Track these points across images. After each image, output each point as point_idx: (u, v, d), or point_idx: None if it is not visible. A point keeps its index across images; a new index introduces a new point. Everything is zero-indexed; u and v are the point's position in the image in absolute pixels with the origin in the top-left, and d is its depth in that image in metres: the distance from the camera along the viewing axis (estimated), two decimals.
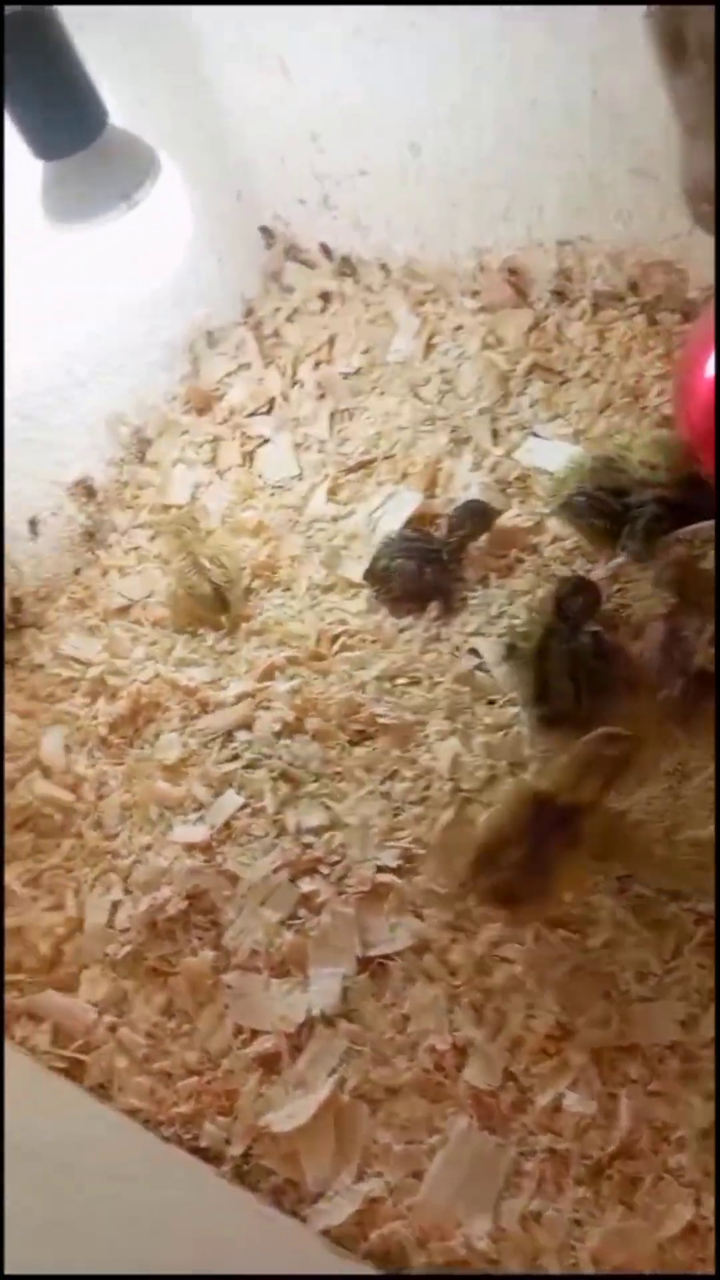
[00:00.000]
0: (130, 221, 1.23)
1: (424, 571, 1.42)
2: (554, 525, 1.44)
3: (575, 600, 1.25)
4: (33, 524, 1.60)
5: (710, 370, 1.14)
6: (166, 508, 1.68)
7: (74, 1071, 1.19)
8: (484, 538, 1.45)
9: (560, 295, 1.64)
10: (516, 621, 1.37)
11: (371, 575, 1.47)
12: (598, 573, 1.35)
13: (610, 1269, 0.94)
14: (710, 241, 1.41)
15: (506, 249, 1.63)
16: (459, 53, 1.41)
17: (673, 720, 1.19)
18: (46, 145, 1.20)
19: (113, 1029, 1.21)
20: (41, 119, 1.17)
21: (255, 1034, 1.16)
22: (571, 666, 1.20)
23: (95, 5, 1.31)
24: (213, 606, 1.51)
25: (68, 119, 1.17)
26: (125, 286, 1.41)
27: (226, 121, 1.70)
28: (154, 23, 1.55)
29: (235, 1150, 1.09)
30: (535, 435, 1.54)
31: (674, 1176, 0.97)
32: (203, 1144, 1.11)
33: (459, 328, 1.71)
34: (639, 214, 1.46)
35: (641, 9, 1.21)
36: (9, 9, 1.10)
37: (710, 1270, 0.93)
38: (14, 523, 1.57)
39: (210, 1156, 1.10)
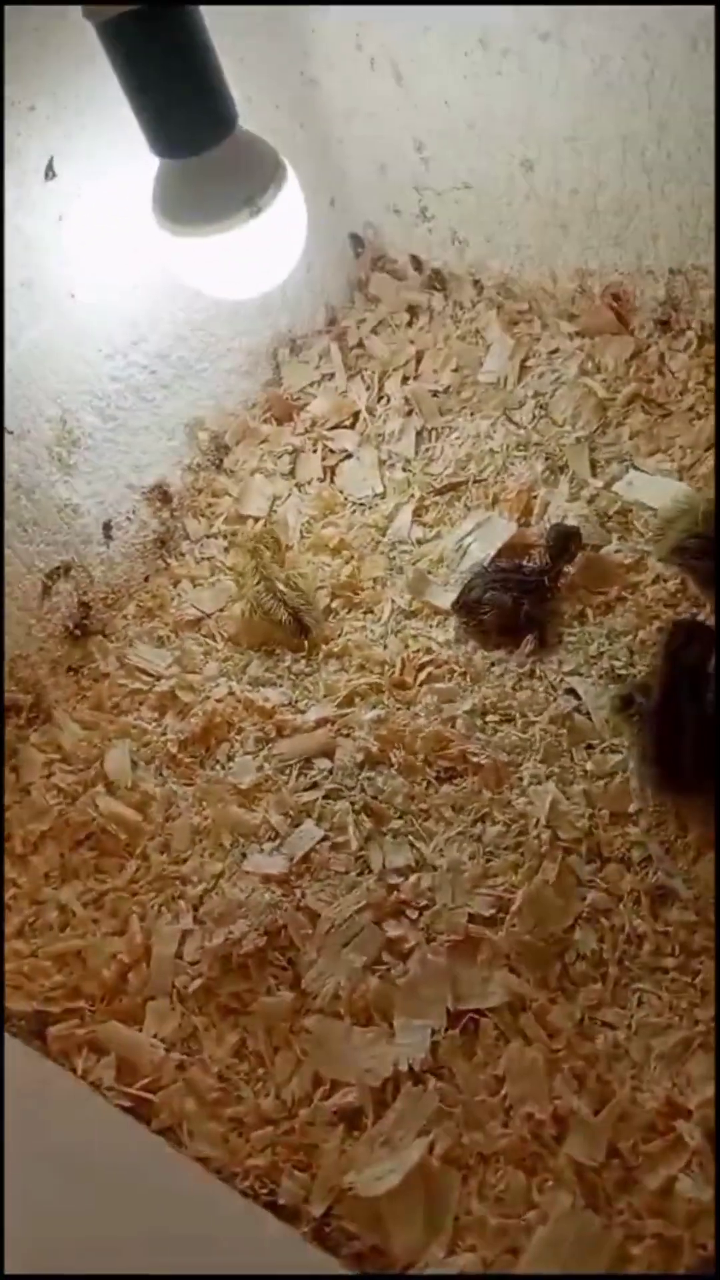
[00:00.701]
0: (250, 229, 1.17)
1: (520, 605, 1.37)
2: (656, 564, 1.38)
3: (690, 649, 1.19)
4: (107, 528, 1.54)
5: None
6: (243, 518, 1.63)
7: (140, 1111, 1.13)
8: (579, 571, 1.40)
9: (664, 325, 1.58)
10: (618, 664, 1.31)
11: (462, 606, 1.41)
12: (707, 618, 1.29)
13: None
14: None
15: (612, 274, 1.58)
16: (590, 68, 1.35)
17: None
18: (172, 144, 1.14)
19: (181, 1068, 1.15)
20: (172, 117, 1.11)
21: (336, 1085, 1.10)
22: (699, 731, 1.14)
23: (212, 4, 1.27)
24: (291, 630, 1.45)
25: (199, 119, 1.11)
26: (229, 293, 1.35)
27: (330, 124, 1.65)
28: (265, 19, 1.50)
29: (315, 1210, 1.03)
30: (636, 469, 1.49)
31: None
32: (280, 1200, 1.05)
33: (555, 351, 1.65)
34: None
35: None
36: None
37: None
38: (88, 525, 1.52)
39: (288, 1215, 1.04)
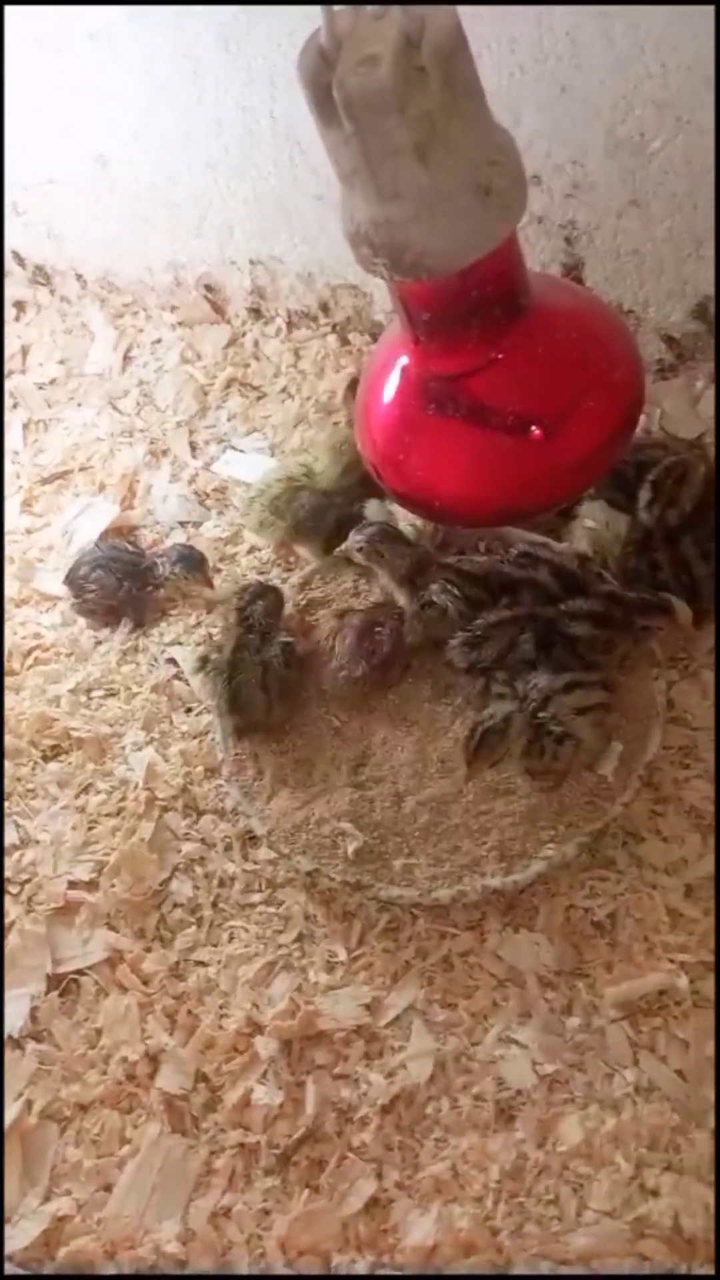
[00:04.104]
0: None
1: (122, 584, 1.41)
2: (250, 536, 1.47)
3: (257, 605, 1.28)
4: None
5: (388, 396, 1.16)
6: None
7: None
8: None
9: (256, 313, 1.68)
10: (215, 630, 1.38)
11: (71, 582, 1.44)
12: (294, 579, 1.38)
13: (296, 1253, 0.96)
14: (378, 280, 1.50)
15: (201, 265, 1.66)
16: (141, 69, 1.42)
17: (346, 702, 1.25)
18: None
19: None
20: None
21: None
22: (262, 678, 1.22)
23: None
24: None
25: None
26: None
27: None
28: None
29: None
30: (233, 449, 1.57)
31: (357, 1155, 1.00)
32: None
33: (157, 341, 1.71)
34: (324, 238, 1.52)
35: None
36: None
37: (712, 1270, 0.92)
38: None
39: None
